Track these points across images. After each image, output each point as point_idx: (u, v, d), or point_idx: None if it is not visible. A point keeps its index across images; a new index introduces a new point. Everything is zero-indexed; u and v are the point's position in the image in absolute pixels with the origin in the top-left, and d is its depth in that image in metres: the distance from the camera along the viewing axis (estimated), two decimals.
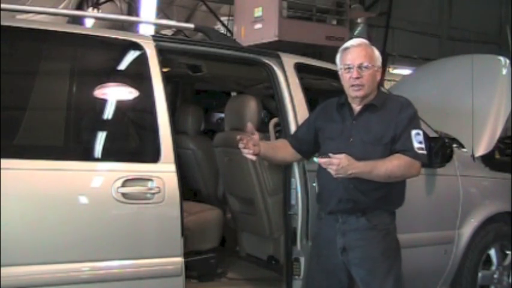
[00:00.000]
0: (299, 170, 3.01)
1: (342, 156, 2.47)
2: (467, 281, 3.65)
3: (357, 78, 2.60)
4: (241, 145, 2.65)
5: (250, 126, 2.70)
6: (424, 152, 2.60)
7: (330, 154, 2.48)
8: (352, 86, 2.62)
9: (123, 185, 2.47)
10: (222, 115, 4.76)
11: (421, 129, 2.65)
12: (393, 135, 2.58)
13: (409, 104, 2.68)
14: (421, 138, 2.60)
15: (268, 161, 3.00)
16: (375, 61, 2.65)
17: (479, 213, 3.67)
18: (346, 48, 2.67)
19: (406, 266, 2.71)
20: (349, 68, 2.63)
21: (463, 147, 3.84)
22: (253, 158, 2.69)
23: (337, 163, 2.45)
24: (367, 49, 2.65)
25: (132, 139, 2.88)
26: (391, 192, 2.63)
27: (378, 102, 2.65)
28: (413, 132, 2.59)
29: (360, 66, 2.60)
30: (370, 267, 2.62)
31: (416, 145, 2.57)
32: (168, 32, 6.98)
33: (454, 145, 3.63)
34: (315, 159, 2.62)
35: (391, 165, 2.54)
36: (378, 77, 2.69)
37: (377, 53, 2.69)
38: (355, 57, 2.62)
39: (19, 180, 2.33)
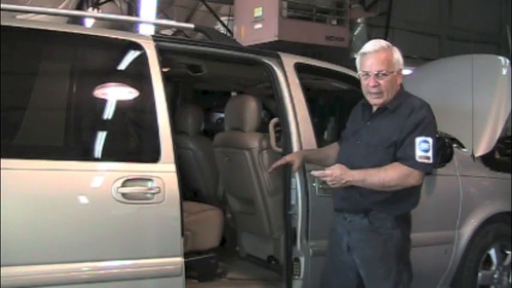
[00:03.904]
0: (299, 170, 3.00)
1: (335, 166, 2.54)
2: (467, 281, 3.65)
3: (374, 86, 2.54)
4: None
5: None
6: (429, 161, 2.48)
7: (326, 168, 2.57)
8: (370, 93, 2.57)
9: (123, 185, 2.47)
10: (222, 115, 4.77)
11: (431, 135, 2.51)
12: (396, 140, 2.51)
13: (421, 108, 2.54)
14: (427, 146, 2.47)
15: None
16: (394, 66, 2.55)
17: (479, 213, 3.67)
18: (364, 54, 2.57)
19: None
20: (367, 74, 2.56)
21: (463, 147, 3.84)
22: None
23: (330, 174, 2.52)
24: (386, 54, 2.54)
25: (132, 139, 2.88)
26: (393, 196, 2.55)
27: (392, 105, 2.57)
28: (418, 139, 2.47)
29: (377, 74, 2.52)
30: (368, 270, 2.62)
31: (418, 153, 2.47)
32: (168, 32, 6.97)
33: (454, 145, 3.63)
34: (312, 171, 2.66)
35: (385, 175, 2.48)
36: (399, 80, 2.59)
37: (397, 55, 2.57)
38: (372, 64, 2.53)
39: (19, 180, 2.33)
